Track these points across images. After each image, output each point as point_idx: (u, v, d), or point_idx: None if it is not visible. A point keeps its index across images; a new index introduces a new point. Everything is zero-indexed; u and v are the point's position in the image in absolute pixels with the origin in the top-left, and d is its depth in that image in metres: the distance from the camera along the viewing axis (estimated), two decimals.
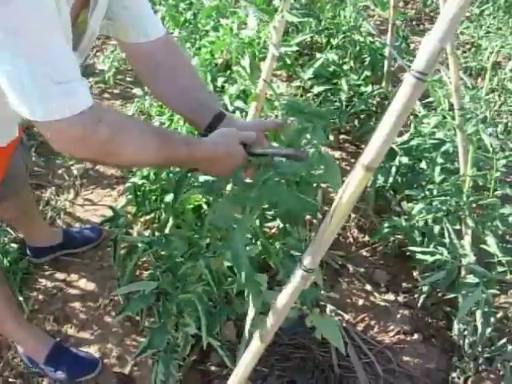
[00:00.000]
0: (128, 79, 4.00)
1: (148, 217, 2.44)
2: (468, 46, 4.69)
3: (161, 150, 1.43)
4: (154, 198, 2.29)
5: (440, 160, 2.55)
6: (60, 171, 3.27)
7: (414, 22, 5.19)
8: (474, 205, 2.40)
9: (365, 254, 2.82)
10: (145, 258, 2.50)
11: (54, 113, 1.21)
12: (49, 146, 1.30)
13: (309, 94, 3.37)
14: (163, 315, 1.88)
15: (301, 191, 1.57)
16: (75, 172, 3.25)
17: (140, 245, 2.06)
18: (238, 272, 1.47)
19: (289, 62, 2.96)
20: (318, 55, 3.36)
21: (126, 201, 2.42)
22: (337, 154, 3.39)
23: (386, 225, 2.56)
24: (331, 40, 3.42)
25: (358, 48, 3.35)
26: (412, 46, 4.51)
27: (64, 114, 1.21)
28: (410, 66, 2.68)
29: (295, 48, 2.66)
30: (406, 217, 2.54)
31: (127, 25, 1.67)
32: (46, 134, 1.28)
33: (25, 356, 2.34)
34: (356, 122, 3.36)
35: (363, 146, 3.30)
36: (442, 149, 2.55)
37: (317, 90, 3.22)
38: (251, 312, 1.69)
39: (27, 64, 1.16)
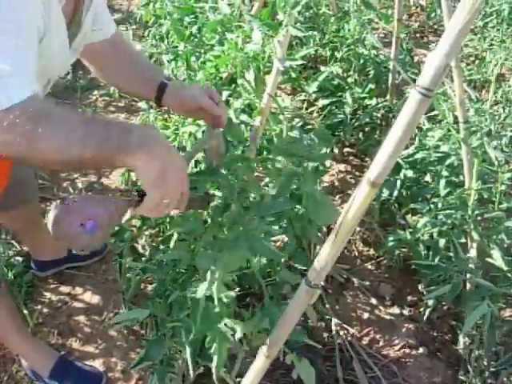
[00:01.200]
0: None
1: (153, 230, 2.45)
2: (472, 59, 4.70)
3: (89, 137, 1.23)
4: None
5: (445, 173, 2.55)
6: (65, 184, 3.28)
7: (417, 35, 5.21)
8: (479, 218, 2.40)
9: (370, 267, 2.81)
10: None
11: None
12: None
13: (313, 108, 3.38)
14: (161, 328, 1.88)
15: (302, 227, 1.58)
16: (80, 185, 3.26)
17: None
18: (194, 323, 1.49)
19: (294, 75, 2.96)
20: (322, 68, 3.37)
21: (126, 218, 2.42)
22: (341, 166, 3.39)
23: (390, 238, 2.56)
24: (335, 53, 3.42)
25: (362, 61, 3.36)
26: (416, 58, 4.52)
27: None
28: (414, 80, 2.69)
29: (300, 62, 2.67)
30: (410, 230, 2.54)
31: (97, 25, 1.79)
32: None
33: (29, 370, 2.33)
34: (360, 135, 3.36)
35: (368, 159, 3.34)
36: (447, 162, 2.55)
37: (321, 103, 3.22)
38: (215, 361, 1.65)
39: None
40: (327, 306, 2.56)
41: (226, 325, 1.53)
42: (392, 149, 1.10)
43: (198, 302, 1.49)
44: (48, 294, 2.68)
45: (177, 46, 3.01)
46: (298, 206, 1.62)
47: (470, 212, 2.34)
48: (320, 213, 1.51)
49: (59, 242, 1.59)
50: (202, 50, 2.59)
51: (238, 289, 1.64)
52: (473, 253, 2.35)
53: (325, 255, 1.28)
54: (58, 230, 1.37)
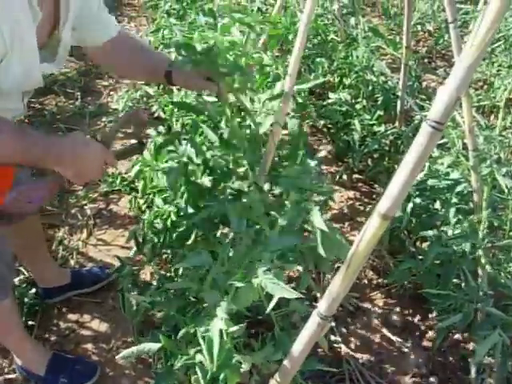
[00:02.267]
0: None
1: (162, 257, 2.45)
2: (480, 84, 4.70)
3: (17, 145, 1.59)
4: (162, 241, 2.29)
5: (454, 200, 2.53)
6: (73, 211, 3.29)
7: (425, 60, 5.23)
8: (489, 245, 2.38)
9: (380, 295, 2.79)
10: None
11: None
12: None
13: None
14: (170, 359, 1.87)
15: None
16: (88, 212, 3.26)
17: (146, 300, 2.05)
18: (210, 361, 1.49)
19: (301, 100, 2.97)
20: (330, 95, 3.38)
21: (134, 249, 2.42)
22: (350, 193, 3.39)
23: (400, 267, 2.53)
24: (344, 80, 3.43)
25: (370, 88, 3.36)
26: (424, 83, 4.53)
27: None
28: (422, 107, 2.69)
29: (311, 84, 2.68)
30: (420, 257, 2.52)
31: (89, 32, 1.99)
32: None
33: (23, 368, 2.40)
34: (369, 162, 3.36)
35: (376, 186, 3.32)
36: (457, 189, 2.53)
37: (330, 131, 3.24)
38: None
39: None
40: (337, 334, 2.54)
41: (236, 360, 1.52)
42: (403, 181, 1.10)
43: (213, 341, 1.49)
44: (56, 321, 2.66)
45: None
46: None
47: (480, 240, 2.33)
48: (330, 247, 1.50)
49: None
50: None
51: (247, 320, 1.63)
52: (484, 281, 2.33)
53: (336, 287, 1.27)
54: (14, 207, 1.87)
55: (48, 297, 2.73)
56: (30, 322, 2.60)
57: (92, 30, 2.00)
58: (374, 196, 3.32)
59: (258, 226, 1.68)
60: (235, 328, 1.52)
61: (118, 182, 3.37)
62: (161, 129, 3.23)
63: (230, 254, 1.60)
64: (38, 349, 2.43)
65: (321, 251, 1.49)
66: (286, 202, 1.60)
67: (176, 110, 2.95)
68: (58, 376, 2.38)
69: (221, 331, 1.50)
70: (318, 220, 1.46)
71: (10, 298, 2.21)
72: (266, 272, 1.45)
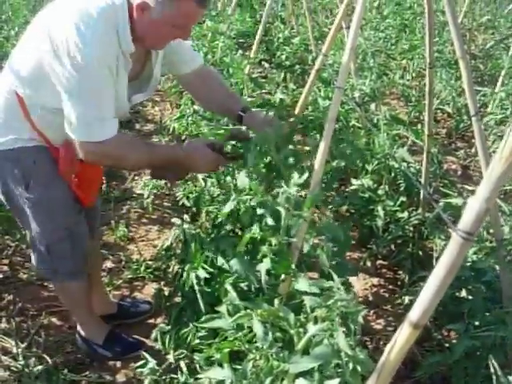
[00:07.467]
0: (166, 204, 4.08)
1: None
2: None
3: (151, 157, 2.28)
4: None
5: (482, 289, 2.51)
6: None
7: (445, 142, 5.27)
8: None
9: None
10: None
11: (93, 137, 2.10)
12: None
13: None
14: None
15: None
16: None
17: None
18: None
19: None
20: (353, 180, 3.40)
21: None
22: (375, 280, 3.37)
23: (428, 361, 2.48)
24: (366, 166, 3.45)
25: (392, 174, 3.38)
26: (445, 165, 4.55)
27: (99, 138, 2.10)
28: (446, 194, 2.67)
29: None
30: (447, 344, 2.48)
31: (178, 63, 2.55)
32: (84, 152, 2.15)
33: (83, 340, 2.87)
34: (393, 247, 3.35)
35: (401, 272, 3.30)
36: (484, 278, 2.51)
37: (353, 216, 3.24)
38: None
39: (84, 109, 2.05)
40: None
41: None
42: (434, 291, 1.11)
43: None
44: None
45: None
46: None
47: (509, 331, 2.29)
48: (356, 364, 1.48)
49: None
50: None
51: None
52: None
53: None
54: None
55: None
56: None
57: (175, 62, 2.53)
58: (399, 283, 3.29)
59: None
60: None
61: (142, 269, 3.38)
62: (185, 217, 3.27)
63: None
64: (100, 322, 2.92)
65: (346, 374, 1.46)
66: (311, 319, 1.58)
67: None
68: (114, 345, 2.88)
69: None
70: (342, 343, 1.45)
71: (85, 280, 2.68)
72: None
